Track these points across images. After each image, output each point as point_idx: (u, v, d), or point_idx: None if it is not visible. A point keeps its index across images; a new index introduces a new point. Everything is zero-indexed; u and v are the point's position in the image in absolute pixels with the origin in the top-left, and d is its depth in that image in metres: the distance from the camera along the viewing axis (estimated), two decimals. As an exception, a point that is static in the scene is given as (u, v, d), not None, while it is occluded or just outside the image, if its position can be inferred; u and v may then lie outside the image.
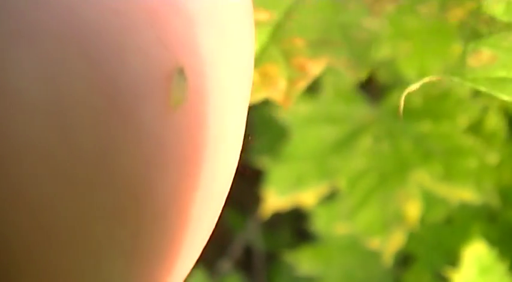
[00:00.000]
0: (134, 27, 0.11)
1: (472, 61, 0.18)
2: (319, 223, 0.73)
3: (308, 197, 0.70)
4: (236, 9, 0.13)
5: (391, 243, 0.66)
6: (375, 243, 0.66)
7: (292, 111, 0.72)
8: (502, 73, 0.18)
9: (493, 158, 0.65)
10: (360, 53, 0.25)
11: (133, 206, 0.11)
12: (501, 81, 0.18)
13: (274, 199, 0.70)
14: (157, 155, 0.11)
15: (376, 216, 0.68)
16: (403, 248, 0.67)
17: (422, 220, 0.67)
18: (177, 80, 0.11)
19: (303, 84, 0.25)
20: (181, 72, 0.11)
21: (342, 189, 0.69)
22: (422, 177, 0.67)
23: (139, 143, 0.11)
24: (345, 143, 0.71)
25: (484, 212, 0.68)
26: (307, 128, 0.72)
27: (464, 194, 0.65)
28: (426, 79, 0.17)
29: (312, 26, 0.25)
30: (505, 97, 0.17)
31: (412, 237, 0.67)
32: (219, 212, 0.14)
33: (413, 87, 0.16)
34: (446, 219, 0.69)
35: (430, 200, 0.67)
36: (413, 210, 0.66)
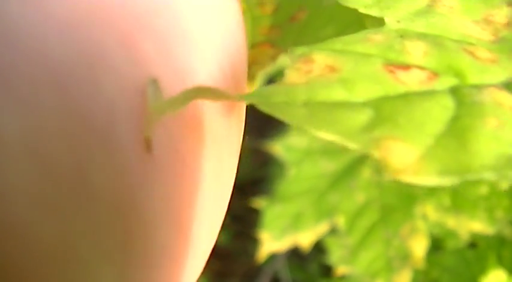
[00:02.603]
0: (104, 50, 0.11)
1: (293, 75, 0.11)
2: (334, 256, 0.66)
3: (306, 238, 0.63)
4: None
5: (397, 284, 0.57)
6: (379, 284, 0.58)
7: (287, 145, 0.65)
8: (341, 94, 0.10)
9: (504, 183, 0.56)
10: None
11: (117, 218, 0.11)
12: (336, 107, 0.10)
13: (270, 243, 0.62)
14: (140, 168, 0.11)
15: (378, 255, 0.60)
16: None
17: (444, 246, 0.60)
18: (151, 90, 0.11)
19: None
20: (154, 82, 0.11)
21: (341, 228, 0.61)
22: (429, 210, 0.58)
23: (118, 159, 0.11)
24: (343, 177, 0.63)
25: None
26: (303, 162, 0.64)
27: (475, 225, 0.56)
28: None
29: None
30: (333, 137, 0.09)
31: (434, 264, 0.60)
32: (219, 218, 0.13)
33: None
34: (469, 244, 0.62)
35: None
36: (419, 246, 0.58)
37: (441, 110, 0.11)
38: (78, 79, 0.11)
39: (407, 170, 0.10)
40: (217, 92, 0.10)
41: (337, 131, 0.10)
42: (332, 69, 0.11)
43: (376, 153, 0.10)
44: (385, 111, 0.11)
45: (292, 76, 0.10)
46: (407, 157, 0.10)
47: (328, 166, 0.63)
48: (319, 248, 0.66)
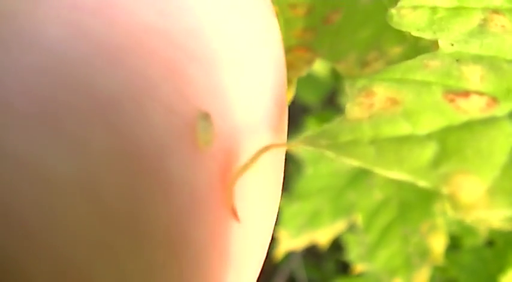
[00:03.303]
0: (152, 83, 0.11)
1: (355, 110, 0.10)
2: (353, 253, 0.66)
3: (324, 236, 0.62)
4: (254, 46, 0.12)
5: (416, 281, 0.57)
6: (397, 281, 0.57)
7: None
8: (405, 128, 0.10)
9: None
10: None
11: (171, 257, 0.11)
12: (402, 143, 0.10)
13: (288, 241, 0.62)
14: (190, 204, 0.11)
15: (397, 252, 0.59)
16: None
17: (462, 244, 0.59)
18: (202, 126, 0.11)
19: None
20: (205, 117, 0.11)
21: (359, 225, 0.60)
22: (447, 207, 0.58)
23: (171, 197, 0.11)
24: (360, 174, 0.63)
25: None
26: (321, 160, 0.64)
27: (494, 221, 0.55)
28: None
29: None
30: (403, 177, 0.09)
31: (452, 262, 0.60)
32: (265, 248, 0.13)
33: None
34: (487, 242, 0.61)
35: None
36: (438, 243, 0.57)
37: (504, 138, 0.11)
38: (128, 116, 0.10)
39: (477, 205, 0.10)
40: (283, 144, 0.10)
41: (406, 169, 0.09)
42: (394, 101, 0.10)
43: (446, 190, 0.10)
44: (450, 143, 0.10)
45: (355, 111, 0.10)
46: (476, 191, 0.10)
47: (346, 164, 0.63)
48: (335, 246, 0.66)
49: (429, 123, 0.10)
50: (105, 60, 0.11)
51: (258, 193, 0.13)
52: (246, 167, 0.10)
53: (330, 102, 0.81)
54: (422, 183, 0.09)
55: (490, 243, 0.61)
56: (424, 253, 0.58)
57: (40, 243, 0.10)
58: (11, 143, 0.10)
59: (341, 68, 0.20)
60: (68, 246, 0.10)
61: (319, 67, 0.66)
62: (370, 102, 0.10)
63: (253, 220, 0.12)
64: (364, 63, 0.20)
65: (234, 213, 0.11)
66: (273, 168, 0.13)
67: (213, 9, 0.12)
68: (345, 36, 0.21)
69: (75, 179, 0.10)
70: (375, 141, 0.09)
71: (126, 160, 0.10)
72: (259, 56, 0.12)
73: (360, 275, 0.66)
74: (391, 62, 0.22)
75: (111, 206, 0.10)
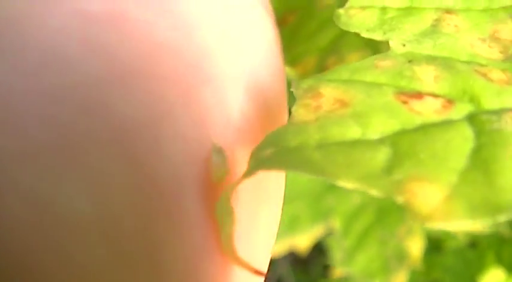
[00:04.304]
0: (168, 109, 0.10)
1: (301, 112, 0.09)
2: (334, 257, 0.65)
3: (303, 240, 0.62)
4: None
5: (395, 284, 0.57)
6: (376, 285, 0.57)
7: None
8: (355, 131, 0.09)
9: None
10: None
11: None
12: (352, 147, 0.09)
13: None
14: (204, 243, 0.10)
15: (375, 256, 0.59)
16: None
17: (444, 246, 0.59)
18: (216, 161, 0.10)
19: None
20: (219, 151, 0.10)
21: (337, 230, 0.60)
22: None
23: (187, 238, 0.10)
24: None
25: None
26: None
27: (474, 225, 0.56)
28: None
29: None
30: (353, 185, 0.08)
31: (435, 264, 0.60)
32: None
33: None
34: (470, 243, 0.61)
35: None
36: (416, 246, 0.57)
37: (461, 142, 0.10)
38: (145, 146, 0.10)
39: (435, 214, 0.09)
40: (238, 181, 0.09)
41: (356, 176, 0.08)
42: (343, 103, 0.10)
43: (400, 199, 0.09)
44: (404, 147, 0.09)
45: (300, 114, 0.09)
46: (433, 199, 0.09)
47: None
48: (322, 250, 0.66)
49: (381, 126, 0.10)
50: (122, 82, 0.10)
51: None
52: (237, 182, 0.09)
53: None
54: (374, 191, 0.09)
55: (473, 244, 0.61)
56: (401, 257, 0.58)
57: None
58: (24, 176, 0.09)
59: (298, 71, 0.19)
60: None
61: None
62: (317, 104, 0.09)
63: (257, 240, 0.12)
64: (323, 68, 0.19)
65: (241, 262, 0.10)
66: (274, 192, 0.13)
67: (219, 24, 0.11)
68: (302, 39, 0.21)
69: (93, 218, 0.09)
70: (322, 146, 0.09)
71: (144, 198, 0.10)
72: (263, 71, 0.12)
73: (341, 279, 0.65)
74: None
75: (129, 246, 0.10)
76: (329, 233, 0.64)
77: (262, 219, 0.12)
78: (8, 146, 0.09)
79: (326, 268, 0.81)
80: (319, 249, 0.67)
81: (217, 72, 0.11)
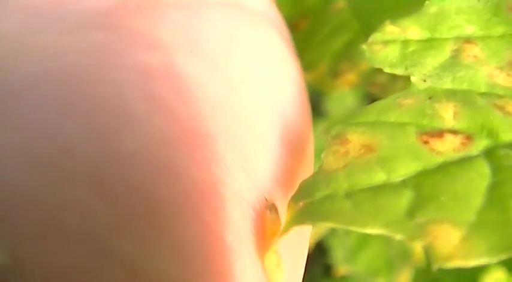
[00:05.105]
0: (228, 173, 0.10)
1: (330, 160, 0.10)
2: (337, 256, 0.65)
3: (306, 239, 0.62)
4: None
5: (399, 282, 0.57)
6: (380, 283, 0.57)
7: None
8: (380, 176, 0.10)
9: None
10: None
11: None
12: (378, 192, 0.09)
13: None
14: None
15: (379, 254, 0.59)
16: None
17: None
18: (270, 217, 0.10)
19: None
20: (272, 208, 0.10)
21: (340, 228, 0.60)
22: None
23: None
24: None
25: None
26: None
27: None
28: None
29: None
30: (379, 231, 0.08)
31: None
32: None
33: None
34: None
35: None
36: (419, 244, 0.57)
37: (479, 179, 0.11)
38: (211, 207, 0.09)
39: (455, 255, 0.09)
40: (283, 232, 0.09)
41: (382, 223, 0.09)
42: (369, 148, 0.10)
43: (422, 242, 0.09)
44: (426, 188, 0.10)
45: (330, 161, 0.10)
46: (452, 240, 0.09)
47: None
48: (322, 250, 0.66)
49: (404, 169, 0.10)
50: (186, 143, 0.09)
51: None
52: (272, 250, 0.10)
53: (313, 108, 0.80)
54: (399, 236, 0.09)
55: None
56: (405, 255, 0.58)
57: None
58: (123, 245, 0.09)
59: (311, 77, 0.19)
60: None
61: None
62: (344, 150, 0.10)
63: None
64: (335, 74, 0.19)
65: None
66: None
67: (260, 79, 0.11)
68: (314, 45, 0.21)
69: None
70: (350, 194, 0.09)
71: (212, 259, 0.09)
72: (296, 121, 0.12)
73: (343, 278, 0.66)
74: (363, 73, 0.21)
75: None
76: (331, 232, 0.64)
77: (301, 265, 0.12)
78: (102, 212, 0.09)
79: (326, 268, 0.81)
80: (319, 249, 0.67)
81: (264, 130, 0.11)
